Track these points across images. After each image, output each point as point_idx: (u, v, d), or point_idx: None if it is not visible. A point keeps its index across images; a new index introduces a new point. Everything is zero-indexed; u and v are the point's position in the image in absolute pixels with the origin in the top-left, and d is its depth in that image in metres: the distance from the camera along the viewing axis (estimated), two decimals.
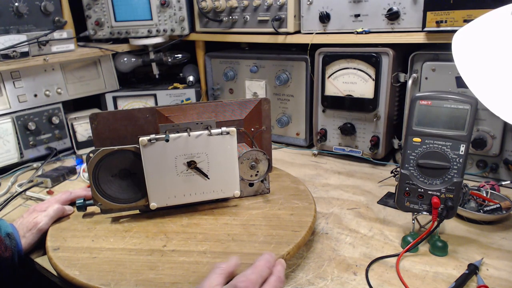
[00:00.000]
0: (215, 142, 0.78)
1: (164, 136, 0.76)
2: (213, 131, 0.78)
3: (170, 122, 0.85)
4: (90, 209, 0.84)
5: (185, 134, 0.77)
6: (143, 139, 0.75)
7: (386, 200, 0.93)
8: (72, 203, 0.87)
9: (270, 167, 0.86)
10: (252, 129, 0.92)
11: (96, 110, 1.39)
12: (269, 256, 0.63)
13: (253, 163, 0.84)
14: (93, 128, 0.84)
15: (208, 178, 0.79)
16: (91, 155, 0.77)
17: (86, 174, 1.13)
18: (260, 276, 0.59)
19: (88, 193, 0.87)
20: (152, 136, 0.76)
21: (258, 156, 0.84)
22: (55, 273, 0.70)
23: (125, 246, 0.72)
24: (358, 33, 1.08)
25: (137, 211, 0.83)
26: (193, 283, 0.60)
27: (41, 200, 0.99)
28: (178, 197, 0.80)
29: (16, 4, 1.16)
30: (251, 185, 0.86)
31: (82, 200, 0.82)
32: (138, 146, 0.76)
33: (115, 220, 0.82)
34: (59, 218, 0.82)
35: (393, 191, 0.97)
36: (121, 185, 0.81)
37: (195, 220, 0.79)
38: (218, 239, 0.72)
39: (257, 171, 0.85)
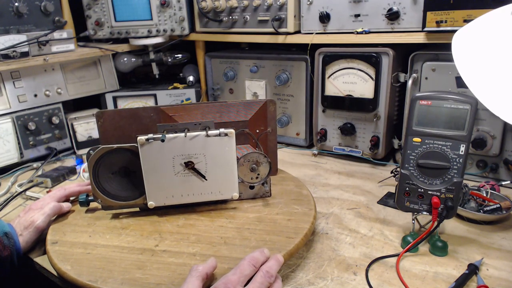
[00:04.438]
0: (213, 143, 0.78)
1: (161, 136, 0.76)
2: (211, 132, 0.77)
3: (174, 122, 0.86)
4: (93, 204, 0.84)
5: (182, 134, 0.76)
6: (141, 138, 0.75)
7: (386, 200, 0.93)
8: (68, 199, 0.88)
9: (271, 170, 0.85)
10: (257, 131, 0.92)
11: (96, 110, 1.39)
12: (257, 254, 0.62)
13: (253, 165, 0.83)
14: (99, 126, 0.85)
15: (206, 179, 0.79)
16: (91, 152, 0.78)
17: (86, 174, 1.13)
18: (243, 275, 0.58)
19: (82, 188, 0.88)
20: (150, 135, 0.76)
21: (259, 159, 0.84)
22: (54, 271, 0.70)
23: (119, 244, 0.72)
24: (358, 33, 1.08)
25: (138, 209, 0.83)
26: (177, 285, 0.60)
27: None
28: (176, 197, 0.80)
29: (16, 4, 1.16)
30: (251, 187, 0.85)
31: (85, 196, 0.84)
32: (136, 145, 0.76)
33: (115, 216, 0.82)
34: (60, 215, 0.83)
35: (393, 191, 0.97)
36: (121, 182, 0.81)
37: (191, 221, 0.79)
38: (210, 242, 0.72)
39: (258, 174, 0.85)
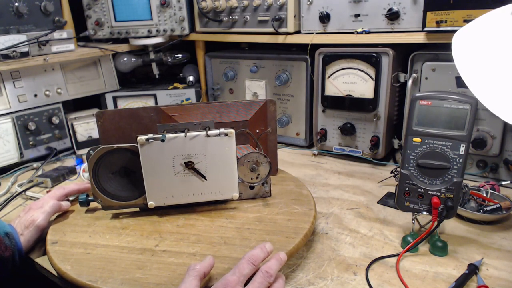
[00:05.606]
0: (213, 143, 0.78)
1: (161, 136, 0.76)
2: (211, 132, 0.77)
3: (174, 122, 0.86)
4: (93, 204, 0.84)
5: (182, 134, 0.76)
6: (141, 138, 0.75)
7: (386, 200, 0.93)
8: (67, 198, 0.88)
9: (271, 170, 0.85)
10: (257, 131, 0.92)
11: (96, 110, 1.39)
12: (257, 251, 0.61)
13: (253, 165, 0.83)
14: (99, 126, 0.85)
15: (206, 179, 0.79)
16: (91, 152, 0.78)
17: (86, 174, 1.13)
18: (242, 275, 0.58)
19: (80, 187, 0.89)
20: (150, 135, 0.76)
21: (259, 159, 0.83)
22: (54, 271, 0.70)
23: (119, 244, 0.72)
24: (358, 33, 1.08)
25: (138, 209, 0.83)
26: (177, 285, 0.60)
27: None
28: (176, 197, 0.80)
29: (16, 4, 1.16)
30: (251, 187, 0.85)
31: (85, 196, 0.84)
32: (136, 145, 0.76)
33: (115, 216, 0.82)
34: (61, 214, 0.84)
35: (393, 191, 0.97)
36: (121, 182, 0.81)
37: (191, 221, 0.79)
38: (210, 242, 0.72)
39: (258, 174, 0.84)
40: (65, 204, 0.84)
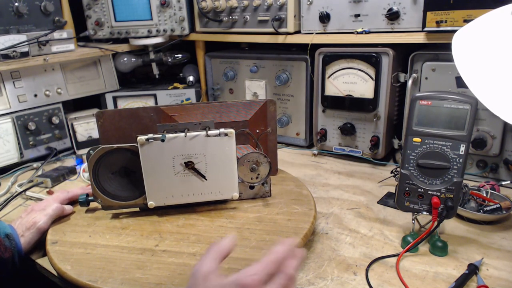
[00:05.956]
0: (213, 143, 0.78)
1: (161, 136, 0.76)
2: (211, 132, 0.77)
3: (174, 122, 0.86)
4: (93, 204, 0.84)
5: (182, 134, 0.76)
6: (141, 138, 0.75)
7: (386, 200, 0.93)
8: (71, 202, 0.87)
9: (271, 170, 0.85)
10: (257, 131, 0.92)
11: (96, 110, 1.39)
12: (282, 248, 0.55)
13: (253, 165, 0.83)
14: (99, 126, 0.85)
15: (206, 179, 0.79)
16: (91, 152, 0.78)
17: (86, 174, 1.13)
18: (266, 275, 0.52)
19: (84, 191, 0.88)
20: (150, 135, 0.76)
21: (259, 159, 0.83)
22: (54, 271, 0.70)
23: (119, 244, 0.73)
24: (358, 33, 1.08)
25: (138, 209, 0.83)
26: (178, 285, 0.60)
27: (41, 200, 0.99)
28: (176, 197, 0.80)
29: (16, 4, 1.16)
30: (251, 187, 0.85)
31: (85, 196, 0.84)
32: (136, 145, 0.76)
33: (115, 216, 0.82)
34: (59, 217, 0.83)
35: (393, 191, 0.97)
36: (121, 182, 0.81)
37: (191, 221, 0.79)
38: (210, 242, 0.71)
39: (258, 174, 0.84)
40: (68, 208, 0.84)
